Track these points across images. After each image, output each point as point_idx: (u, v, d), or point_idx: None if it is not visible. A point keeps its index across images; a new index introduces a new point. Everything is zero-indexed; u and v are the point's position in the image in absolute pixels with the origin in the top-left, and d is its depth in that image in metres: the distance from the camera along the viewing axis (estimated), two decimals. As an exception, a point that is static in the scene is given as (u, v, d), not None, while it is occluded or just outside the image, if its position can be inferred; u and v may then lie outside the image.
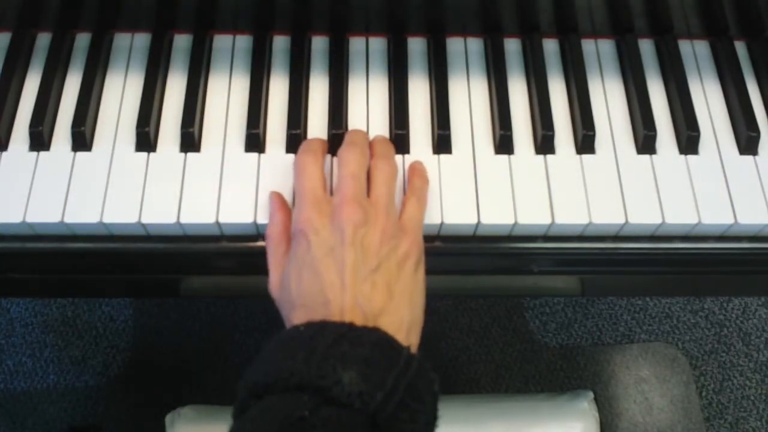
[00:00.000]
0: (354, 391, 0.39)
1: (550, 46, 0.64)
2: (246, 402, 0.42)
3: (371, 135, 0.58)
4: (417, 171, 0.56)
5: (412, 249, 0.50)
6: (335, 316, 0.45)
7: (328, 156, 0.57)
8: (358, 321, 0.45)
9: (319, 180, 0.52)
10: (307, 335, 0.43)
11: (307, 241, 0.48)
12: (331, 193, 0.53)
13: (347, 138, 0.55)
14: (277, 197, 0.54)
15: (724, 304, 1.36)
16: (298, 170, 0.53)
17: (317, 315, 0.46)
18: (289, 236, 0.51)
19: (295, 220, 0.51)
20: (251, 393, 0.42)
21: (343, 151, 0.53)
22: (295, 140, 0.57)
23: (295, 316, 0.47)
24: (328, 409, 0.39)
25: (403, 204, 0.53)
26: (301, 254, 0.48)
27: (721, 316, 1.35)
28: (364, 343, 0.42)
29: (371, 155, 0.54)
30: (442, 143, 0.58)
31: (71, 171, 0.56)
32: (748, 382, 1.31)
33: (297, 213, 0.50)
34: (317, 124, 0.59)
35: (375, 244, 0.48)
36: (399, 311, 0.47)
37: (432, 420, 0.43)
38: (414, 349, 0.46)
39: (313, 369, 0.40)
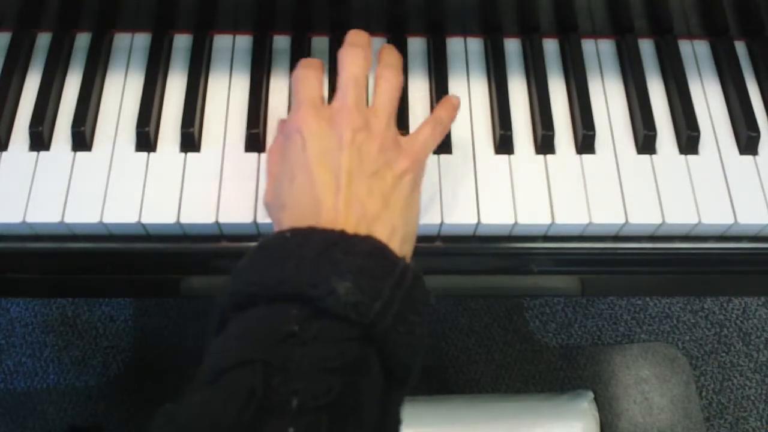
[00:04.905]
0: (350, 302, 0.36)
1: (550, 46, 0.64)
2: (225, 314, 0.39)
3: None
4: (447, 103, 0.53)
5: (411, 167, 0.47)
6: (328, 217, 0.42)
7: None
8: (351, 224, 0.42)
9: (317, 90, 0.49)
10: (294, 242, 0.40)
11: (302, 139, 0.45)
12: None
13: (349, 38, 0.50)
14: (284, 121, 0.51)
15: (724, 304, 1.36)
16: (296, 81, 0.49)
17: (308, 215, 0.43)
18: None
19: (290, 120, 0.47)
20: (233, 304, 0.39)
21: (344, 51, 0.49)
22: (295, 140, 0.57)
23: (285, 217, 0.44)
24: (319, 322, 0.36)
25: (419, 127, 0.50)
26: (295, 154, 0.45)
27: (721, 316, 1.35)
28: (358, 251, 0.39)
29: (378, 62, 0.51)
30: (442, 143, 0.58)
31: (71, 171, 0.56)
32: (748, 382, 1.31)
33: (293, 114, 0.47)
34: (317, 124, 0.59)
35: (373, 152, 0.45)
36: (392, 220, 0.44)
37: (425, 333, 0.40)
38: (407, 261, 0.43)
39: (304, 278, 0.37)
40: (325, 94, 0.60)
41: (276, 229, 0.46)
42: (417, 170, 0.48)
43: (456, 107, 0.54)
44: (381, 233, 0.42)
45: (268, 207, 0.49)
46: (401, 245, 0.44)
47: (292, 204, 0.44)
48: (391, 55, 0.52)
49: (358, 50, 0.49)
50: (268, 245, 0.41)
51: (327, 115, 0.47)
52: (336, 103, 0.47)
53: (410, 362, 0.39)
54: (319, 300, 0.37)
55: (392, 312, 0.38)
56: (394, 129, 0.48)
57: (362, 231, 0.42)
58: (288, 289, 0.37)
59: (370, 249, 0.40)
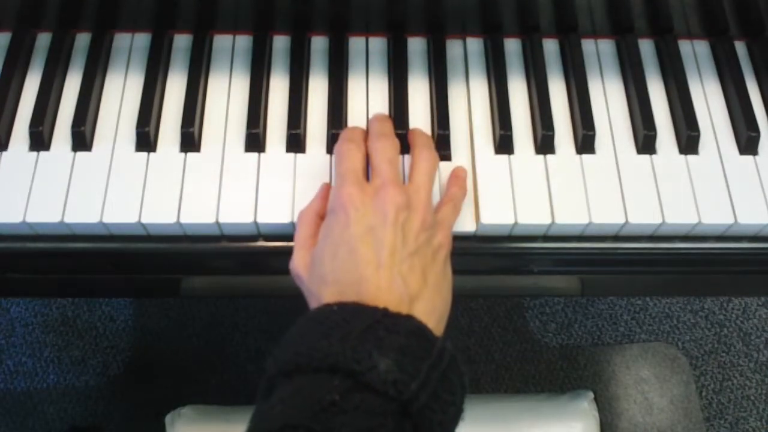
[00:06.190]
0: (389, 379, 0.39)
1: (550, 46, 0.64)
2: (274, 380, 0.42)
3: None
4: (458, 179, 0.56)
5: (445, 242, 0.50)
6: (370, 293, 0.45)
7: (327, 156, 0.57)
8: (393, 301, 0.44)
9: (360, 164, 0.51)
10: (340, 317, 0.42)
11: (346, 216, 0.48)
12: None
13: (377, 128, 0.54)
14: (326, 186, 0.54)
15: (724, 304, 1.36)
16: (340, 155, 0.52)
17: (350, 292, 0.45)
18: (320, 221, 0.51)
19: (334, 196, 0.50)
20: (280, 371, 0.41)
21: (375, 141, 0.53)
22: (295, 140, 0.57)
23: (327, 292, 0.46)
24: (360, 394, 0.39)
25: (439, 206, 0.53)
26: (338, 230, 0.48)
27: (721, 316, 1.35)
28: (400, 330, 0.41)
29: (413, 144, 0.55)
30: (441, 143, 0.58)
31: (71, 171, 0.56)
32: (748, 382, 1.31)
33: (337, 189, 0.50)
34: (317, 124, 0.59)
35: (415, 229, 0.48)
36: (433, 299, 0.47)
37: (459, 412, 0.43)
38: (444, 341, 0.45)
39: (348, 352, 0.39)
40: (325, 97, 0.61)
41: (311, 300, 0.49)
42: (449, 244, 0.51)
43: (465, 178, 0.56)
44: (421, 312, 0.45)
45: (300, 279, 0.50)
46: (438, 323, 0.47)
47: (335, 280, 0.46)
48: (424, 135, 0.56)
49: (387, 137, 0.53)
50: (316, 317, 0.43)
51: (370, 191, 0.49)
52: (377, 180, 0.50)
53: None
54: (360, 374, 0.39)
55: (428, 391, 0.40)
56: (431, 207, 0.51)
57: (404, 307, 0.45)
58: (332, 362, 0.39)
59: (411, 329, 0.42)
